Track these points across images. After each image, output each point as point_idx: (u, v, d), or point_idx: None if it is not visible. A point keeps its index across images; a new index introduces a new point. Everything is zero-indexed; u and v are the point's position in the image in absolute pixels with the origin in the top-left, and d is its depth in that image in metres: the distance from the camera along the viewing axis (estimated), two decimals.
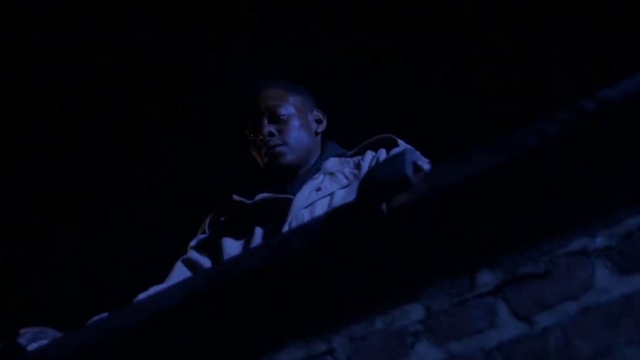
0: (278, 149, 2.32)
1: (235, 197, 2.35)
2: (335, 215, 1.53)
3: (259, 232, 2.23)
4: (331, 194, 2.24)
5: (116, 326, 1.64)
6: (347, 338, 1.51)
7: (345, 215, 1.52)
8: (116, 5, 4.38)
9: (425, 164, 1.51)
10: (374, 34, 4.36)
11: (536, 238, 1.41)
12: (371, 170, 1.52)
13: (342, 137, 2.59)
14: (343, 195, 2.21)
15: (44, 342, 1.89)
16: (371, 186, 1.48)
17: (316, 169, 2.36)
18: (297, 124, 2.35)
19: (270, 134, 2.32)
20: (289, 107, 2.36)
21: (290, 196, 2.26)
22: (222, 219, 2.36)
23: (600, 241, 1.37)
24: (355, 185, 2.21)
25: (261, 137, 2.32)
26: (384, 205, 1.46)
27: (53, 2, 4.33)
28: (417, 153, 2.10)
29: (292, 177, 2.35)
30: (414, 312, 1.47)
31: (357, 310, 1.51)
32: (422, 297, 1.47)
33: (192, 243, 2.36)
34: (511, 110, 3.71)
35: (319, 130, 2.47)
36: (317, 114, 2.49)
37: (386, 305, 1.49)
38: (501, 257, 1.43)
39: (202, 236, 2.37)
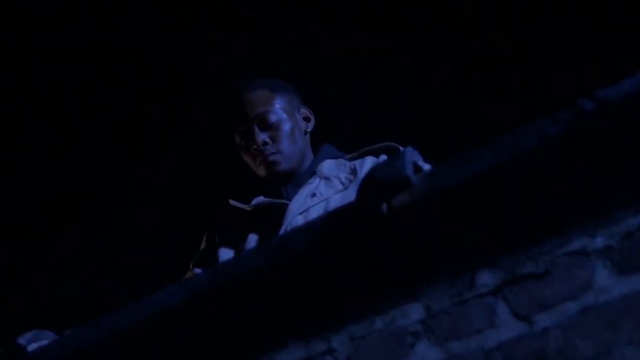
0: (272, 157, 2.31)
1: (232, 202, 2.36)
2: (336, 215, 1.53)
3: (254, 237, 2.25)
4: (326, 200, 2.25)
5: (116, 326, 1.64)
6: (347, 338, 1.51)
7: (346, 215, 1.52)
8: (116, 5, 4.38)
9: (425, 165, 1.51)
10: (373, 34, 4.35)
11: (536, 238, 1.41)
12: (371, 170, 1.52)
13: (342, 137, 2.58)
14: (338, 201, 2.22)
15: (44, 342, 1.89)
16: (371, 186, 1.48)
17: (311, 172, 2.36)
18: (288, 129, 2.34)
19: (264, 143, 2.30)
20: (279, 112, 2.34)
21: (286, 201, 2.27)
22: (219, 226, 2.38)
23: (600, 241, 1.37)
24: (350, 190, 2.21)
25: (255, 147, 2.31)
26: (384, 205, 1.46)
27: (53, 2, 4.33)
28: (417, 154, 2.10)
29: (287, 181, 2.35)
30: (414, 312, 1.47)
31: (357, 310, 1.51)
32: (422, 297, 1.47)
33: (193, 261, 2.38)
34: (511, 110, 3.71)
35: (308, 130, 2.45)
36: (304, 111, 2.46)
37: (386, 305, 1.49)
38: (501, 257, 1.43)
39: (201, 251, 2.40)
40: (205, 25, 4.45)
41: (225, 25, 4.44)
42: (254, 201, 2.32)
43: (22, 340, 1.91)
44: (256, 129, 2.31)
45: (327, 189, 2.27)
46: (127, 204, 4.64)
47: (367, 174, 1.51)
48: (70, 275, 4.65)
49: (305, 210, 2.23)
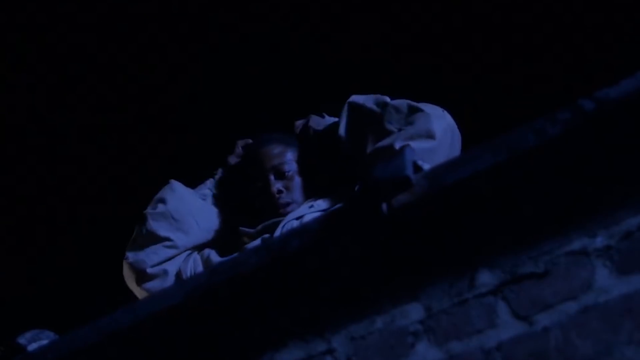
0: (288, 206, 2.49)
1: (241, 229, 2.50)
2: (335, 214, 1.53)
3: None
4: (324, 210, 2.37)
5: (116, 326, 1.64)
6: (347, 338, 1.51)
7: (345, 214, 1.52)
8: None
9: (425, 165, 1.51)
10: (374, 34, 4.36)
11: (536, 238, 1.41)
12: (372, 170, 1.52)
13: None
14: None
15: (44, 342, 1.89)
16: (371, 186, 1.48)
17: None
18: (300, 179, 2.54)
19: (279, 192, 2.50)
20: (292, 164, 2.56)
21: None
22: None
23: (600, 241, 1.37)
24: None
25: (270, 195, 2.49)
26: (384, 205, 1.46)
27: None
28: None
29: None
30: (414, 312, 1.47)
31: (357, 310, 1.51)
32: (422, 297, 1.47)
33: None
34: (511, 110, 3.71)
35: None
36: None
37: (386, 305, 1.49)
38: (501, 257, 1.43)
39: None
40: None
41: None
42: (260, 226, 2.45)
43: (22, 340, 1.91)
44: (272, 178, 2.52)
45: (325, 202, 2.44)
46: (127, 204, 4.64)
47: (367, 174, 1.51)
48: (73, 274, 4.65)
49: (301, 216, 2.38)
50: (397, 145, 2.16)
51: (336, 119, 2.50)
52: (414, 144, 2.12)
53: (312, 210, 2.40)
